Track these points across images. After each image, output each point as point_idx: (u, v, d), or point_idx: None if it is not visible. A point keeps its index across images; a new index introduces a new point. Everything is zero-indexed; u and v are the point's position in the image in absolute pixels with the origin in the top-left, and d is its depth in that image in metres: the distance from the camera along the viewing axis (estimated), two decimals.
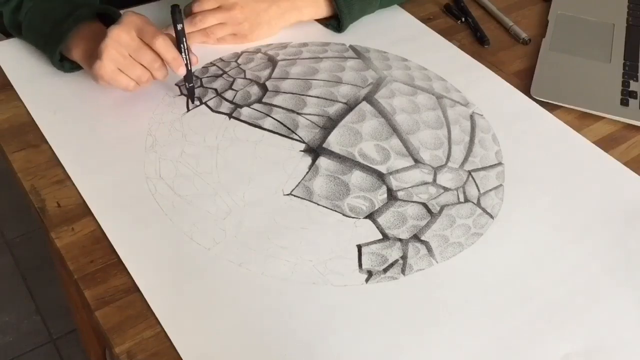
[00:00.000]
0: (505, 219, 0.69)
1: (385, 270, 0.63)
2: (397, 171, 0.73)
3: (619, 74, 0.91)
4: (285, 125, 0.76)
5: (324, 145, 0.74)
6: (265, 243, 0.65)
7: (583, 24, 1.01)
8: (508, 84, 0.87)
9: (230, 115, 0.78)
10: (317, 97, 0.80)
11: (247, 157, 0.73)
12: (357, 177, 0.71)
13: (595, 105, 0.85)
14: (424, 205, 0.70)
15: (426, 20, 0.99)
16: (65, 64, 0.80)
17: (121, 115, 0.77)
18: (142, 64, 0.74)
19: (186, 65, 0.75)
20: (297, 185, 0.70)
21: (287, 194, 0.69)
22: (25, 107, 0.77)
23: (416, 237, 0.67)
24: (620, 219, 0.71)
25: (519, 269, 0.65)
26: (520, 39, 0.97)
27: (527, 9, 1.05)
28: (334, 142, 0.75)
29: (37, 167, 0.71)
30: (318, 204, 0.68)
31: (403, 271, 0.63)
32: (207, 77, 0.83)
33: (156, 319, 0.58)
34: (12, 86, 0.80)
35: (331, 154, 0.73)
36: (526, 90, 0.86)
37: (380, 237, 0.66)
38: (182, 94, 0.80)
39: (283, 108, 0.79)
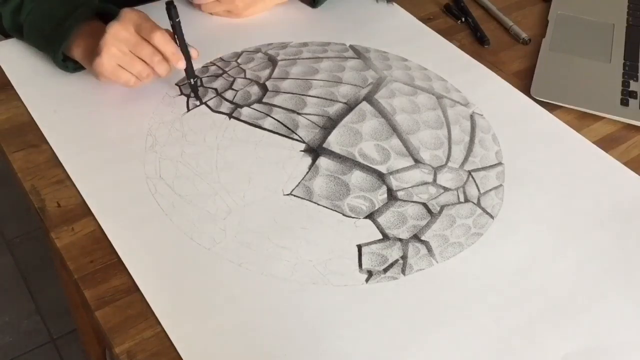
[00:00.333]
0: (505, 219, 0.69)
1: (385, 270, 0.63)
2: (397, 171, 0.73)
3: (619, 74, 0.91)
4: (285, 125, 0.76)
5: (324, 145, 0.74)
6: (265, 243, 0.65)
7: (583, 24, 1.01)
8: (508, 84, 0.87)
9: (230, 115, 0.78)
10: (317, 97, 0.80)
11: (247, 157, 0.73)
12: (357, 177, 0.71)
13: (595, 105, 0.85)
14: (424, 205, 0.70)
15: (426, 20, 0.99)
16: (69, 64, 0.80)
17: (121, 115, 0.77)
18: (142, 59, 0.74)
19: (186, 60, 0.75)
20: (297, 185, 0.70)
21: (287, 194, 0.69)
22: (25, 107, 0.77)
23: (416, 237, 0.67)
24: (620, 219, 0.71)
25: (519, 269, 0.65)
26: (520, 39, 0.97)
27: (527, 9, 1.05)
28: (334, 142, 0.75)
29: (37, 167, 0.71)
30: (318, 204, 0.68)
31: (403, 271, 0.63)
32: (207, 76, 0.83)
33: (156, 319, 0.58)
34: (12, 86, 0.80)
35: (331, 154, 0.73)
36: (526, 90, 0.86)
37: (381, 237, 0.66)
38: (182, 93, 0.80)
39: (283, 108, 0.79)
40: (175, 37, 0.74)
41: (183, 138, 0.75)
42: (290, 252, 0.64)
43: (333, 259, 0.64)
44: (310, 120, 0.77)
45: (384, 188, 0.71)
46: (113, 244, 0.63)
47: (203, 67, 0.85)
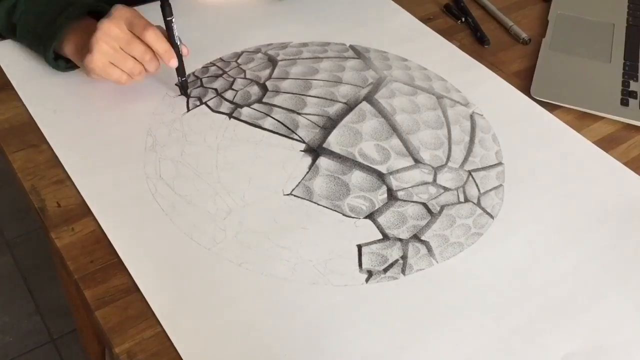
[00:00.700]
0: (505, 219, 0.69)
1: (385, 270, 0.63)
2: (397, 171, 0.73)
3: (619, 74, 0.91)
4: (285, 125, 0.76)
5: (324, 145, 0.74)
6: (265, 243, 0.65)
7: (583, 24, 1.01)
8: (508, 84, 0.87)
9: (230, 115, 0.78)
10: (317, 97, 0.80)
11: (247, 157, 0.73)
12: (357, 177, 0.71)
13: (595, 105, 0.85)
14: (424, 205, 0.70)
15: (426, 20, 0.99)
16: (60, 63, 0.80)
17: (121, 115, 0.77)
18: (133, 57, 0.74)
19: (178, 58, 0.75)
20: (297, 185, 0.70)
21: (287, 194, 0.69)
22: (25, 107, 0.77)
23: (416, 237, 0.67)
24: (620, 219, 0.71)
25: (519, 269, 0.65)
26: (520, 39, 0.97)
27: (527, 9, 1.05)
28: (334, 142, 0.75)
29: (37, 167, 0.71)
30: (318, 204, 0.68)
31: (403, 271, 0.63)
32: (207, 77, 0.83)
33: (156, 319, 0.58)
34: (12, 86, 0.80)
35: (331, 154, 0.73)
36: (526, 90, 0.86)
37: (381, 237, 0.66)
38: (182, 94, 0.80)
39: (283, 108, 0.79)
40: (169, 35, 0.74)
41: (183, 138, 0.75)
42: (290, 252, 0.64)
43: (333, 259, 0.64)
44: (310, 120, 0.77)
45: (384, 188, 0.71)
46: (113, 244, 0.63)
47: (203, 67, 0.85)
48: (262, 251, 0.64)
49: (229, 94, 0.80)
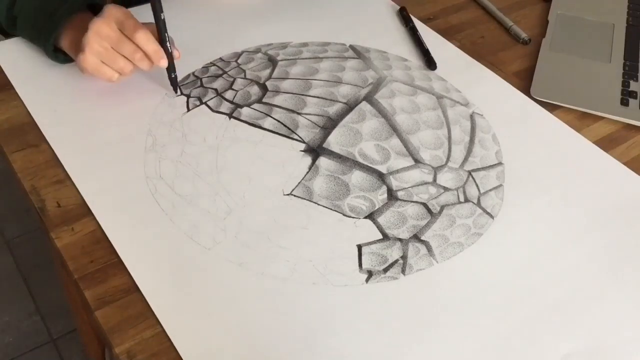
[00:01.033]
0: (505, 219, 0.69)
1: (385, 270, 0.63)
2: (397, 171, 0.72)
3: (619, 74, 0.91)
4: (285, 125, 0.76)
5: (324, 145, 0.74)
6: (265, 243, 0.65)
7: (583, 24, 1.01)
8: (508, 84, 0.87)
9: (230, 115, 0.78)
10: (317, 97, 0.80)
11: (247, 157, 0.73)
12: (357, 177, 0.71)
13: (595, 105, 0.85)
14: (424, 205, 0.70)
15: (426, 20, 0.99)
16: (59, 55, 0.80)
17: (121, 115, 0.77)
18: (124, 56, 0.74)
19: (167, 56, 0.76)
20: (297, 185, 0.70)
21: (287, 194, 0.69)
22: (25, 107, 0.77)
23: (416, 237, 0.66)
24: (620, 219, 0.71)
25: (519, 269, 0.65)
26: (520, 39, 0.97)
27: (527, 9, 1.05)
28: (334, 142, 0.75)
29: (37, 167, 0.71)
30: (318, 204, 0.68)
31: (403, 271, 0.63)
32: (207, 77, 0.83)
33: (156, 319, 0.58)
34: (12, 86, 0.80)
35: (331, 154, 0.73)
36: (526, 90, 0.86)
37: (381, 237, 0.66)
38: (182, 93, 0.80)
39: (283, 108, 0.79)
40: (160, 33, 0.74)
41: (183, 138, 0.75)
42: (290, 252, 0.64)
43: (333, 259, 0.64)
44: (310, 120, 0.77)
45: (384, 188, 0.71)
46: (113, 244, 0.63)
47: (203, 67, 0.85)
48: (262, 251, 0.64)
49: (229, 94, 0.80)
